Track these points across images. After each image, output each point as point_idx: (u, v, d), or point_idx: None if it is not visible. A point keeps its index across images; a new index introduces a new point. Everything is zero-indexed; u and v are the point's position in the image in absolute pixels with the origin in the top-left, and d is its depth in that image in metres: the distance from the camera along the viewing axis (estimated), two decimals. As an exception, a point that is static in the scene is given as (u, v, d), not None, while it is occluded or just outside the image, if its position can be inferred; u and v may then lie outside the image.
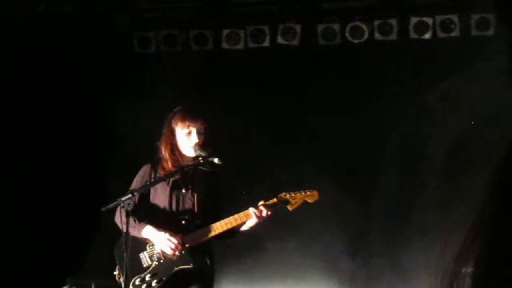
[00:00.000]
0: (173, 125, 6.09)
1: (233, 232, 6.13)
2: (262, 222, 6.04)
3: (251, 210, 5.97)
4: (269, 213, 6.00)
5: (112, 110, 8.00)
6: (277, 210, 6.17)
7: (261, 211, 5.97)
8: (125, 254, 5.63)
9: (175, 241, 5.93)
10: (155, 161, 6.14)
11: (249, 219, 6.00)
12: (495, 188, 1.19)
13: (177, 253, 5.95)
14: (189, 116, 6.08)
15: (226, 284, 8.69)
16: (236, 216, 6.01)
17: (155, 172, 6.09)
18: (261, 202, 6.01)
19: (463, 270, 1.23)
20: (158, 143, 6.16)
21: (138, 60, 9.29)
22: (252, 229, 6.11)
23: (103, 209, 5.50)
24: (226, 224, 6.01)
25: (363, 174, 8.74)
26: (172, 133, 6.09)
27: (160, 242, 5.96)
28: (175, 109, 6.21)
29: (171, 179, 6.03)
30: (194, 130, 6.03)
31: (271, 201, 6.10)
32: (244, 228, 6.09)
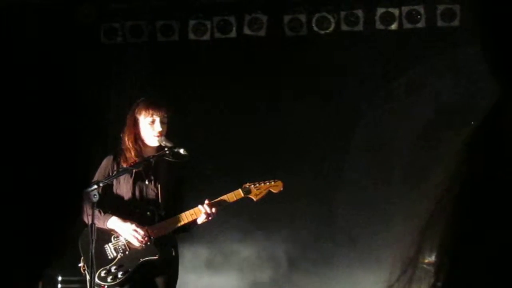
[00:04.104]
0: (137, 115, 6.10)
1: (188, 227, 6.13)
2: (210, 219, 6.06)
3: (201, 207, 6.00)
4: (213, 210, 6.01)
5: (78, 101, 7.92)
6: (242, 200, 6.19)
7: (205, 210, 5.99)
8: (91, 246, 5.60)
9: (142, 232, 5.92)
10: (117, 152, 6.13)
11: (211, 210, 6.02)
12: (457, 176, 1.19)
13: (142, 244, 5.93)
14: (153, 105, 6.10)
15: (190, 275, 8.68)
16: (200, 206, 6.01)
17: (117, 163, 6.07)
18: (206, 201, 6.02)
19: (425, 259, 1.23)
20: (121, 134, 6.14)
21: (104, 51, 9.23)
22: (204, 224, 6.12)
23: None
24: (192, 214, 6.02)
25: (330, 163, 8.76)
26: (135, 123, 6.09)
27: (126, 233, 5.94)
28: (138, 100, 6.23)
29: (134, 170, 6.01)
30: (157, 119, 6.04)
31: (222, 197, 6.11)
32: (198, 222, 6.10)
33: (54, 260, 1.27)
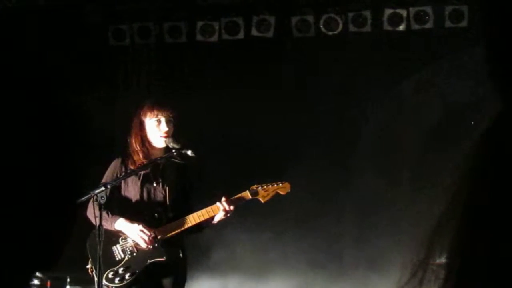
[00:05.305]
0: (142, 117, 6.10)
1: (202, 226, 6.14)
2: (228, 216, 6.06)
3: (219, 204, 6.00)
4: (231, 207, 6.01)
5: (86, 103, 7.91)
6: (250, 201, 6.19)
7: (224, 206, 5.99)
8: (98, 247, 5.61)
9: (148, 233, 5.93)
10: (125, 155, 6.13)
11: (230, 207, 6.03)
12: (466, 177, 1.19)
13: (149, 246, 5.94)
14: (157, 105, 6.11)
15: (198, 276, 8.68)
16: (208, 208, 6.02)
17: (125, 166, 6.08)
18: (223, 198, 6.02)
19: (436, 261, 1.23)
20: (127, 138, 6.15)
21: (112, 53, 9.25)
22: (219, 223, 6.14)
23: (78, 201, 5.37)
24: (199, 216, 6.02)
25: (337, 165, 8.75)
26: (141, 125, 6.10)
27: (133, 234, 5.95)
28: (143, 103, 6.23)
29: (142, 173, 6.02)
30: (163, 119, 6.05)
31: (240, 194, 6.13)
32: (214, 221, 6.11)
33: (48, 264, 1.26)
